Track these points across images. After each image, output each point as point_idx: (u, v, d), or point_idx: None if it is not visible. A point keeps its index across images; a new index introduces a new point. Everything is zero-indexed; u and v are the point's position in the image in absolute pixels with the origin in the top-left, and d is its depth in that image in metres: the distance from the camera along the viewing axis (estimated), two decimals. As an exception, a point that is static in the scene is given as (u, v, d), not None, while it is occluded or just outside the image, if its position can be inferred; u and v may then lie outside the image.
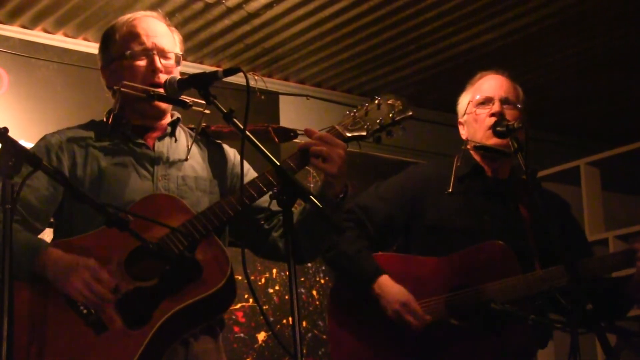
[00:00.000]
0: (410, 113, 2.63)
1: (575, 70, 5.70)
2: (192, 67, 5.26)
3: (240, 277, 2.61)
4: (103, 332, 2.40)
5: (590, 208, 5.61)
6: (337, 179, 2.52)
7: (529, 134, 2.99)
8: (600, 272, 2.99)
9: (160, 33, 2.72)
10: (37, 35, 4.98)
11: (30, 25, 4.94)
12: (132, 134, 2.68)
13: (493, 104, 3.19)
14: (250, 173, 2.69)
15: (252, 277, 5.34)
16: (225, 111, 2.36)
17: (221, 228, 2.56)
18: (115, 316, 2.41)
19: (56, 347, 2.38)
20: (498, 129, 3.12)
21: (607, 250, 5.42)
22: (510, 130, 3.06)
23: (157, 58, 2.67)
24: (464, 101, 3.31)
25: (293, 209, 2.29)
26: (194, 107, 2.62)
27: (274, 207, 2.62)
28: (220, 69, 2.41)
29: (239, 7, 4.81)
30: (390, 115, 2.61)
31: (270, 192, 2.53)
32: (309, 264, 5.56)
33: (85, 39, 5.08)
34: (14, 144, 2.21)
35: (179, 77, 2.57)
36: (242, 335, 5.28)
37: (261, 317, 5.31)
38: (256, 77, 2.72)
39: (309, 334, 5.53)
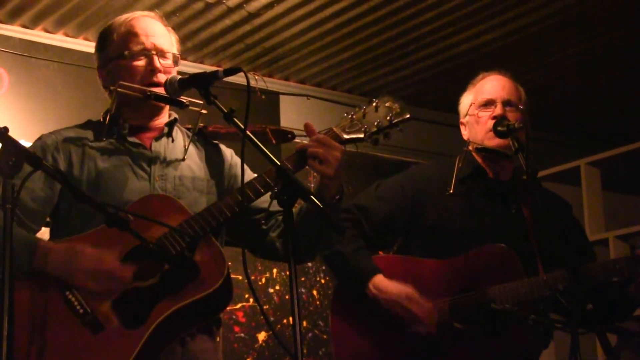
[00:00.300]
0: (408, 116, 2.63)
1: (575, 70, 5.70)
2: (192, 67, 5.27)
3: (240, 277, 2.61)
4: (99, 332, 2.39)
5: (591, 208, 5.62)
6: (332, 181, 2.52)
7: (530, 134, 2.99)
8: (602, 278, 2.98)
9: (158, 33, 2.72)
10: (37, 35, 4.98)
11: (30, 24, 4.95)
12: (129, 133, 2.68)
13: (495, 106, 3.18)
14: (247, 174, 2.69)
15: (253, 277, 5.35)
16: (225, 111, 2.36)
17: (218, 229, 2.56)
18: (112, 316, 2.41)
19: (53, 347, 2.37)
20: (499, 128, 3.11)
21: (608, 250, 5.43)
22: (510, 130, 3.05)
23: (156, 58, 2.66)
24: (466, 102, 3.30)
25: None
26: (191, 107, 2.62)
27: (273, 207, 2.63)
28: (220, 69, 2.41)
29: (239, 7, 4.81)
30: (388, 117, 2.61)
31: (270, 192, 2.53)
32: (309, 264, 5.56)
33: (86, 39, 5.08)
34: (14, 143, 2.21)
35: (179, 77, 2.57)
36: (242, 335, 5.28)
37: (261, 317, 5.31)
38: (257, 77, 2.73)
39: (310, 334, 5.53)
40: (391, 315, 3.05)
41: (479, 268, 3.05)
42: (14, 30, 4.91)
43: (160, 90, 2.62)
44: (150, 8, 4.58)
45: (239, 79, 2.54)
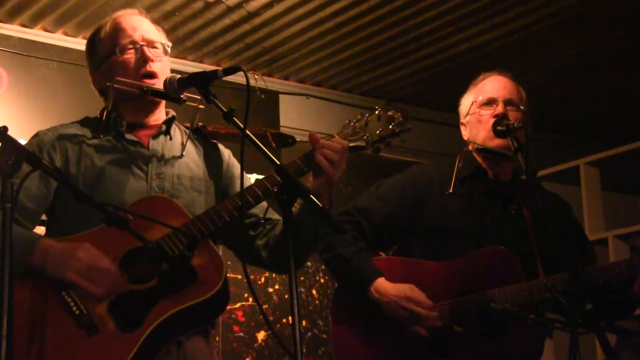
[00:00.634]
0: (410, 126, 2.64)
1: (575, 70, 5.70)
2: (192, 66, 5.27)
3: (240, 276, 2.61)
4: (95, 335, 2.38)
5: (590, 208, 5.61)
6: (329, 188, 2.53)
7: (529, 134, 2.99)
8: (602, 281, 2.98)
9: (144, 26, 2.74)
10: (36, 34, 4.98)
11: (30, 24, 4.94)
12: (126, 131, 2.68)
13: (497, 105, 3.18)
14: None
15: (252, 277, 5.33)
16: (225, 110, 2.35)
17: (217, 233, 2.56)
18: (108, 318, 2.40)
19: (49, 349, 2.36)
20: (498, 128, 3.11)
21: (607, 250, 5.43)
22: (510, 129, 3.05)
23: (145, 48, 2.68)
24: (467, 102, 3.30)
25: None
26: (188, 102, 2.62)
27: (262, 214, 2.65)
28: (220, 68, 2.41)
29: (239, 6, 4.81)
30: (390, 127, 2.62)
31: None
32: (309, 263, 5.56)
33: (85, 38, 5.01)
34: (13, 142, 2.20)
35: (178, 76, 2.57)
36: (241, 334, 5.28)
37: (261, 317, 5.31)
38: (256, 76, 2.73)
39: (309, 333, 5.53)
40: (392, 318, 3.05)
41: (479, 270, 3.04)
42: (13, 30, 4.91)
43: (156, 83, 2.63)
44: (150, 7, 4.58)
45: (238, 78, 2.53)
